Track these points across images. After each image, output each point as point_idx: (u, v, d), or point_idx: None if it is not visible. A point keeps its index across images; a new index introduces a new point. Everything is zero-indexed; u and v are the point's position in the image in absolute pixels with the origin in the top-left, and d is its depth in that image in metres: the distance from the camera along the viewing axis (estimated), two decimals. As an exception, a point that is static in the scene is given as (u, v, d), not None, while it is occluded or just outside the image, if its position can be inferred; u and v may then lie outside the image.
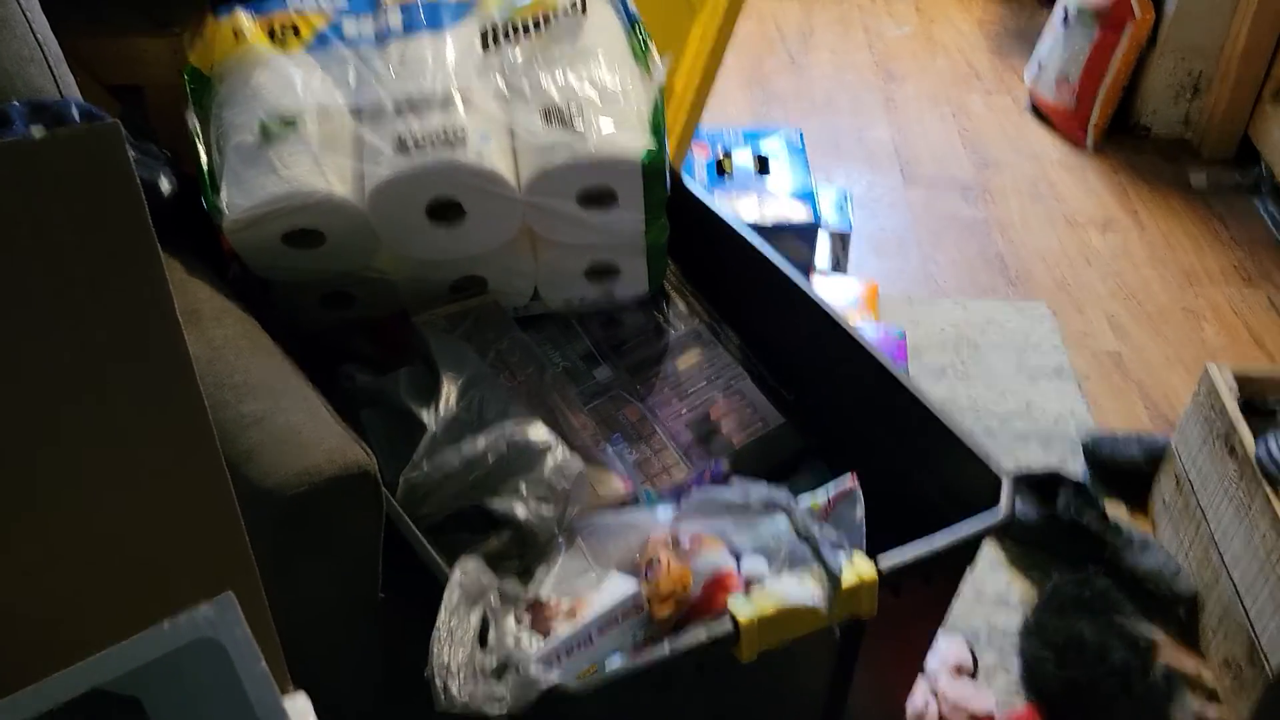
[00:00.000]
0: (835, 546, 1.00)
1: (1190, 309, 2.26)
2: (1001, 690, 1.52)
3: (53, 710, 0.59)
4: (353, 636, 1.06)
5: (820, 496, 1.12)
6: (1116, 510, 1.78)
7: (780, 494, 1.04)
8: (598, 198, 1.26)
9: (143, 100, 1.71)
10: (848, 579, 0.99)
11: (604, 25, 1.31)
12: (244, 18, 1.32)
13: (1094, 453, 1.84)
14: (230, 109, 1.27)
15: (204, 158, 1.25)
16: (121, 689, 0.60)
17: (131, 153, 1.27)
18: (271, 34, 1.31)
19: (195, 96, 1.30)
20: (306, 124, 1.23)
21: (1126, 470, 1.81)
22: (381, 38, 1.31)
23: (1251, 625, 1.44)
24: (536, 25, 1.30)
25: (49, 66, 1.28)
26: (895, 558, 1.03)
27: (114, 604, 0.63)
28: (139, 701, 0.60)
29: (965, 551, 1.11)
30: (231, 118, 1.26)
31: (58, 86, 1.29)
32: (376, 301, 1.37)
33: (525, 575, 1.10)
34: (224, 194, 1.22)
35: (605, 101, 1.24)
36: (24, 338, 0.61)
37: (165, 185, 1.22)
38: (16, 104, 1.19)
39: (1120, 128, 2.76)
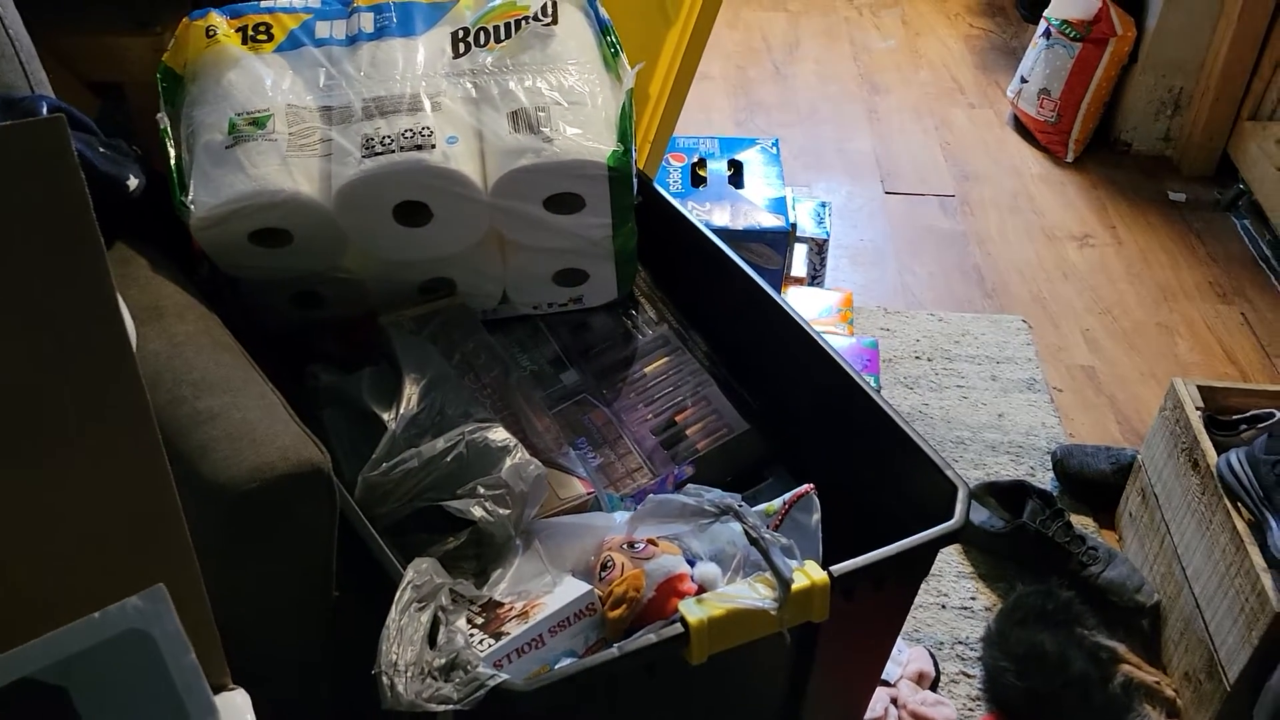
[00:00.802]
0: (786, 551, 1.00)
1: (1165, 324, 2.28)
2: (963, 700, 1.53)
3: (-20, 698, 0.59)
4: (306, 634, 1.06)
5: (775, 503, 1.13)
6: (1084, 522, 1.79)
7: (732, 498, 1.04)
8: (564, 202, 1.27)
9: (124, 98, 1.72)
10: (798, 583, 0.99)
11: (574, 32, 1.32)
12: (218, 18, 1.33)
13: (1063, 465, 1.85)
14: (201, 108, 1.28)
15: (173, 156, 1.25)
16: (49, 679, 0.60)
17: (100, 148, 1.28)
18: (244, 34, 1.32)
19: (167, 95, 1.31)
20: (275, 124, 1.24)
21: (1095, 483, 1.82)
22: (353, 40, 1.32)
23: (1211, 638, 1.45)
24: (508, 31, 1.31)
25: (20, 62, 1.29)
26: (847, 563, 1.04)
27: (47, 594, 0.64)
28: (66, 691, 0.60)
29: (919, 559, 1.12)
30: (202, 117, 1.27)
31: (29, 82, 1.29)
32: (346, 301, 1.37)
33: (481, 577, 1.11)
34: (191, 192, 1.22)
35: (573, 107, 1.25)
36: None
37: (133, 181, 1.22)
38: (-15, 99, 1.20)
39: (1101, 143, 2.78)
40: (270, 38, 1.32)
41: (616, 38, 1.34)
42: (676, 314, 1.50)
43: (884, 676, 1.50)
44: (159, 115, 1.28)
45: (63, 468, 0.66)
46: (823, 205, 2.21)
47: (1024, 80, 2.82)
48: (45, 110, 1.21)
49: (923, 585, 1.67)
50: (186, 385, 1.02)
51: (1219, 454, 1.50)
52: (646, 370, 1.44)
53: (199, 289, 1.23)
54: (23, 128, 0.61)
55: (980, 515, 1.74)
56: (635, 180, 1.31)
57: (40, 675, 0.60)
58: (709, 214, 1.86)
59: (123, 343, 0.66)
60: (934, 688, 1.53)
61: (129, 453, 0.68)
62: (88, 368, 0.65)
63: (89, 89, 1.70)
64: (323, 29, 1.32)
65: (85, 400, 0.65)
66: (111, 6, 1.72)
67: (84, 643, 0.60)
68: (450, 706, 0.89)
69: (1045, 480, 1.87)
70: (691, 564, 1.08)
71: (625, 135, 1.26)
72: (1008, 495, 1.77)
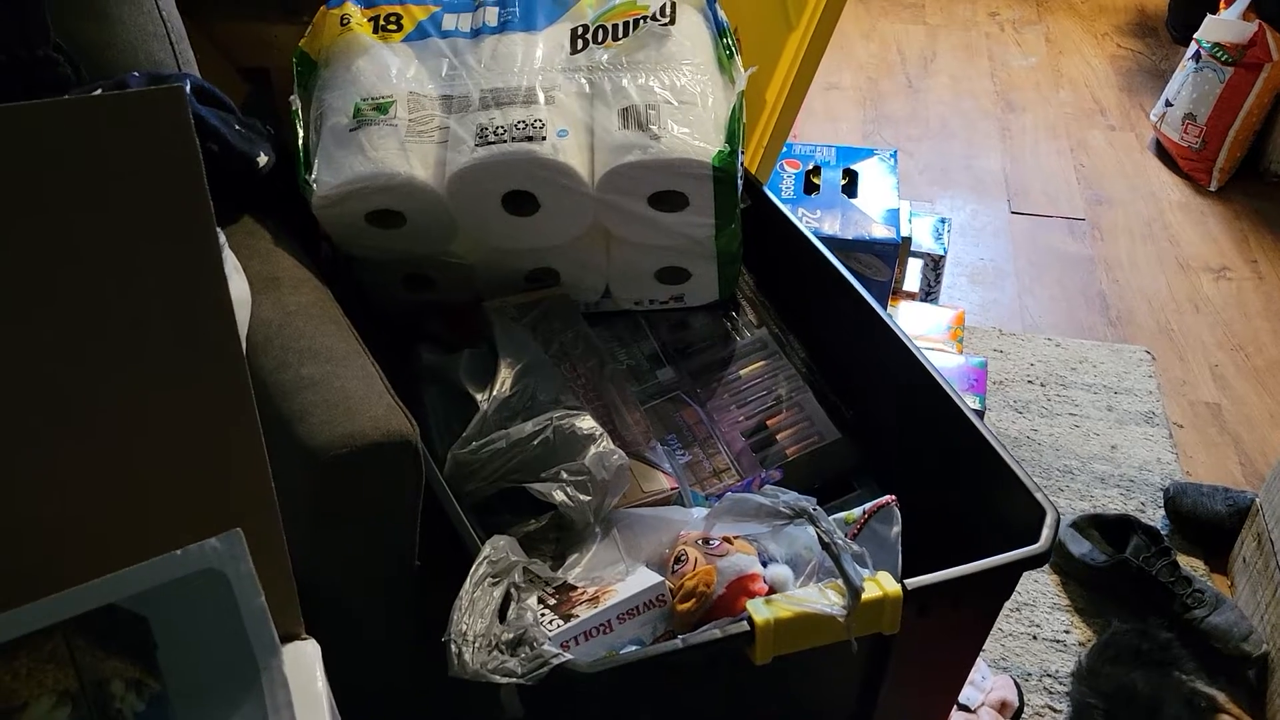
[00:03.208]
0: (857, 559, 1.00)
1: (1302, 365, 2.16)
2: (1047, 734, 1.49)
3: (68, 620, 0.64)
4: (387, 599, 1.10)
5: (855, 511, 1.12)
6: (1193, 565, 1.72)
7: (808, 501, 1.04)
8: (668, 200, 1.28)
9: (269, 83, 1.81)
10: (869, 592, 0.98)
11: (691, 33, 1.34)
12: (352, 7, 1.39)
13: (1175, 503, 1.77)
14: (330, 92, 1.34)
15: (300, 137, 1.31)
16: (133, 608, 0.65)
17: (236, 126, 1.35)
18: (375, 24, 1.38)
19: (301, 79, 1.38)
20: (397, 110, 1.29)
21: (1208, 524, 1.74)
22: (477, 33, 1.36)
23: (1320, 696, 1.38)
24: (626, 29, 1.34)
25: (171, 43, 1.37)
26: (923, 578, 1.02)
27: (136, 531, 0.68)
28: (147, 621, 0.65)
29: (999, 580, 1.10)
30: (330, 100, 1.33)
31: (177, 61, 1.38)
32: (455, 286, 1.42)
33: (558, 560, 1.13)
34: (315, 171, 1.28)
35: (683, 106, 1.27)
36: (74, 275, 0.67)
37: (263, 159, 1.29)
38: (136, 74, 1.28)
39: (1248, 173, 2.65)
40: (400, 28, 1.37)
41: (733, 40, 1.35)
42: (777, 319, 1.50)
43: (964, 701, 1.47)
44: (291, 97, 1.35)
45: (161, 415, 0.70)
46: (942, 221, 2.17)
47: (1169, 104, 2.71)
48: (188, 87, 1.29)
49: (1015, 614, 1.64)
50: (293, 353, 1.07)
51: (1343, 503, 1.42)
52: (742, 373, 1.45)
53: (318, 267, 1.28)
54: (143, 95, 0.66)
55: (1081, 548, 1.68)
56: (741, 182, 1.31)
57: (124, 604, 0.64)
58: (819, 222, 1.85)
59: (223, 301, 0.71)
60: (1016, 719, 1.49)
61: (221, 407, 0.72)
62: (189, 323, 0.70)
63: (240, 74, 1.80)
64: (449, 21, 1.37)
65: (184, 353, 0.70)
66: (264, -4, 1.82)
67: (164, 577, 0.65)
68: (513, 680, 0.92)
69: (1156, 518, 1.80)
70: (765, 565, 1.08)
71: (733, 137, 1.27)
72: (1112, 529, 1.71)
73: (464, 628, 0.95)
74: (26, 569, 0.64)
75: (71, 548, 0.67)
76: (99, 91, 1.24)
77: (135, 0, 1.31)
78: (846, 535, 1.08)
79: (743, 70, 1.32)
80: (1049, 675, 1.55)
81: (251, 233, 1.27)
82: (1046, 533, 1.08)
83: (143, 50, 1.33)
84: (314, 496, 0.99)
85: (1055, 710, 1.51)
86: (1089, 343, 2.17)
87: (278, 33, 1.78)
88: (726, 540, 1.08)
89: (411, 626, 1.13)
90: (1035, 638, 1.61)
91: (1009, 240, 2.48)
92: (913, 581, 1.02)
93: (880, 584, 1.00)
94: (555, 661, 0.92)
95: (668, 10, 1.33)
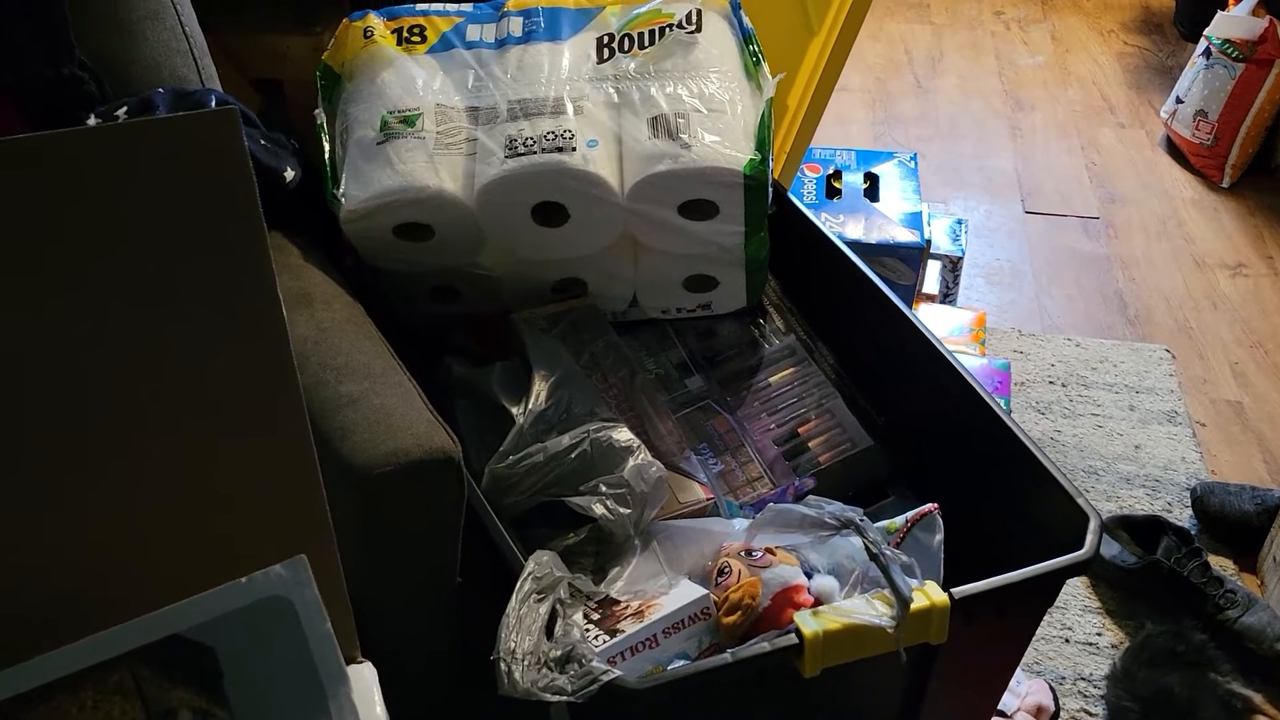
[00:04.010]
0: (906, 569, 0.99)
1: (1322, 361, 2.16)
2: (1083, 738, 1.48)
3: (135, 651, 0.63)
4: (431, 616, 1.10)
5: (897, 520, 1.11)
6: (1223, 564, 1.71)
7: (854, 512, 1.03)
8: (698, 208, 1.28)
9: (283, 94, 1.80)
10: (917, 602, 0.98)
11: (717, 40, 1.33)
12: (375, 19, 1.38)
13: (1203, 502, 1.77)
14: (355, 105, 1.33)
15: (327, 151, 1.31)
16: (198, 637, 0.64)
17: (262, 141, 1.34)
18: (399, 36, 1.37)
19: (325, 92, 1.37)
20: (424, 122, 1.28)
21: (1237, 523, 1.74)
22: (502, 43, 1.35)
23: (1358, 696, 1.37)
24: (651, 38, 1.33)
25: (194, 58, 1.37)
26: (969, 586, 1.02)
27: (198, 558, 0.68)
28: (214, 650, 0.64)
29: (1044, 588, 1.09)
30: (356, 113, 1.32)
31: (200, 77, 1.37)
32: (481, 297, 1.41)
33: (599, 574, 1.12)
34: (343, 185, 1.27)
35: (712, 114, 1.26)
36: (132, 303, 0.66)
37: (290, 173, 1.28)
38: (161, 91, 1.27)
39: (1260, 169, 2.65)
40: (423, 39, 1.36)
41: (759, 47, 1.35)
42: (805, 325, 1.49)
43: (1000, 707, 1.46)
44: (316, 111, 1.34)
45: (219, 443, 0.70)
46: (959, 222, 2.17)
47: (1180, 101, 2.71)
48: (214, 103, 1.28)
49: (1046, 617, 1.63)
50: (330, 370, 1.07)
51: (1377, 501, 1.41)
52: (771, 380, 1.44)
53: (345, 279, 1.28)
54: (196, 118, 0.65)
55: (1111, 550, 1.68)
56: (770, 189, 1.31)
57: (189, 634, 0.64)
58: (842, 226, 1.84)
59: (280, 329, 0.70)
60: (1052, 723, 1.48)
61: (279, 428, 0.71)
62: (247, 350, 0.69)
63: (253, 85, 1.80)
64: (473, 32, 1.36)
65: (242, 381, 0.69)
66: (276, 7, 1.81)
67: (230, 605, 0.64)
68: (563, 698, 0.91)
69: (1183, 518, 1.80)
70: (809, 576, 1.08)
71: (763, 144, 1.26)
72: (1142, 530, 1.70)
73: (512, 645, 0.94)
74: (91, 600, 0.63)
75: (135, 578, 0.66)
76: (124, 109, 1.23)
77: (159, 17, 1.31)
78: (890, 544, 1.07)
79: (770, 77, 1.31)
80: (1083, 679, 1.55)
81: (280, 248, 1.26)
82: (1091, 539, 1.07)
83: (167, 66, 1.32)
84: (358, 515, 0.98)
85: (1090, 714, 1.51)
86: (1108, 342, 2.16)
87: (290, 44, 1.77)
88: (769, 551, 1.08)
89: (453, 643, 1.12)
90: (1068, 641, 1.60)
91: (1024, 240, 2.47)
92: (960, 590, 1.01)
93: (928, 594, 0.99)
94: (605, 678, 0.92)
95: (694, 18, 1.33)
